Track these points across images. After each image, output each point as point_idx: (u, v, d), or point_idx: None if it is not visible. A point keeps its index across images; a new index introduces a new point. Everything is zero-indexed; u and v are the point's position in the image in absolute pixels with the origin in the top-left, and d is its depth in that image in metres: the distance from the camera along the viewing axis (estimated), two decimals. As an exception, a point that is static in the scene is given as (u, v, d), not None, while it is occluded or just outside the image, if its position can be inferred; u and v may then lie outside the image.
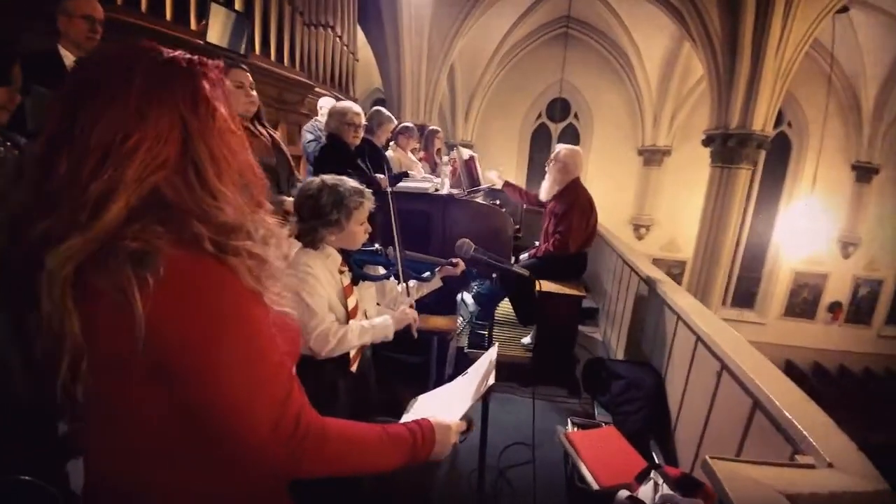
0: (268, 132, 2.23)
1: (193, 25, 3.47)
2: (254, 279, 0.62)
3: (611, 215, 10.46)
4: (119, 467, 0.67)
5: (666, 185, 10.89)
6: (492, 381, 1.09)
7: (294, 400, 0.66)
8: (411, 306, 1.54)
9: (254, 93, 2.14)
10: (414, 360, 2.56)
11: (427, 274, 1.75)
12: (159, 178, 0.58)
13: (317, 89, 4.88)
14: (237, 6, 3.83)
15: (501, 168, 3.77)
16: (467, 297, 3.55)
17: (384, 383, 2.50)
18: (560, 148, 3.20)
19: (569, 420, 2.24)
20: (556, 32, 10.23)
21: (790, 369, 9.69)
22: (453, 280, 1.84)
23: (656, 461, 1.92)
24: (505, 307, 3.72)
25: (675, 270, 10.62)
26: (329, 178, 1.42)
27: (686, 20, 6.54)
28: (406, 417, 1.06)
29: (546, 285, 2.99)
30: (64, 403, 0.57)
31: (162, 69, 0.61)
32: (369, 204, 1.44)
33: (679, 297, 2.45)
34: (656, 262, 10.87)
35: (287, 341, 0.69)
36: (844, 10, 7.07)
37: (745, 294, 10.62)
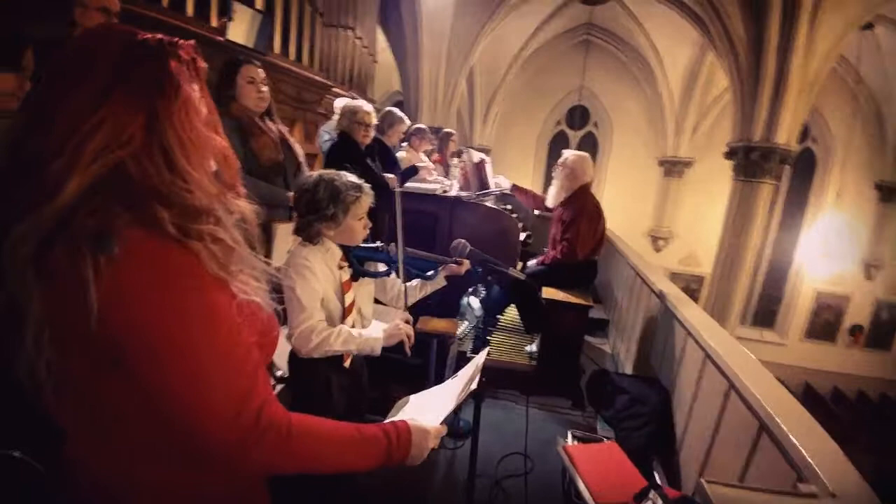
0: (277, 128, 2.23)
1: (214, 22, 3.52)
2: (218, 265, 0.61)
3: (628, 226, 10.35)
4: (99, 461, 0.66)
5: (686, 197, 10.71)
6: (474, 386, 1.06)
7: (257, 393, 0.64)
8: (407, 321, 1.46)
9: (265, 88, 2.14)
10: (414, 362, 2.53)
11: (431, 273, 1.71)
12: (123, 155, 0.57)
13: (334, 90, 4.91)
14: (258, 5, 3.88)
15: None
16: (474, 302, 3.50)
17: (381, 383, 2.48)
18: (568, 154, 3.14)
19: (569, 433, 2.17)
20: (577, 39, 10.17)
21: (809, 393, 9.39)
22: (458, 281, 1.79)
23: (657, 481, 1.85)
24: (513, 314, 3.67)
25: (693, 285, 10.41)
26: (327, 172, 1.40)
27: (709, 29, 6.42)
28: (390, 418, 1.04)
29: (553, 293, 2.94)
30: (28, 381, 0.56)
31: (130, 49, 0.61)
32: (368, 199, 1.42)
33: (689, 312, 2.37)
34: (674, 276, 10.72)
35: (256, 332, 0.68)
36: (869, 26, 6.86)
37: (765, 313, 10.34)
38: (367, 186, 1.42)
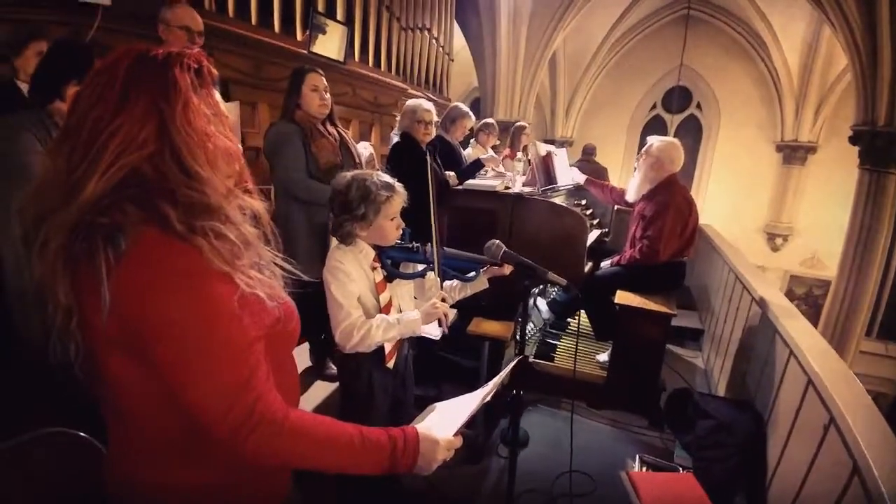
0: (337, 132, 2.31)
1: (299, 36, 3.77)
2: (221, 260, 0.64)
3: (739, 221, 9.17)
4: (129, 454, 0.71)
5: (809, 188, 9.16)
6: (489, 399, 0.98)
7: (253, 386, 0.66)
8: (444, 300, 1.41)
9: (328, 96, 2.23)
10: (469, 364, 2.47)
11: (472, 274, 1.63)
12: (138, 158, 0.63)
13: (410, 91, 5.01)
14: (339, 16, 4.08)
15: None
16: (541, 304, 3.34)
17: (434, 384, 2.45)
18: (653, 140, 2.79)
19: (637, 457, 1.96)
20: (676, 14, 9.21)
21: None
22: (509, 282, 1.67)
23: (738, 523, 1.58)
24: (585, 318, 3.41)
25: (816, 291, 8.92)
26: (360, 172, 1.40)
27: (822, 2, 5.41)
28: (415, 424, 1.00)
29: (628, 298, 2.66)
30: (59, 366, 0.63)
31: (142, 62, 0.66)
32: (399, 199, 1.39)
33: (794, 325, 1.99)
34: (795, 279, 9.26)
35: (263, 325, 0.70)
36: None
37: (892, 324, 8.44)
38: (399, 186, 1.40)
